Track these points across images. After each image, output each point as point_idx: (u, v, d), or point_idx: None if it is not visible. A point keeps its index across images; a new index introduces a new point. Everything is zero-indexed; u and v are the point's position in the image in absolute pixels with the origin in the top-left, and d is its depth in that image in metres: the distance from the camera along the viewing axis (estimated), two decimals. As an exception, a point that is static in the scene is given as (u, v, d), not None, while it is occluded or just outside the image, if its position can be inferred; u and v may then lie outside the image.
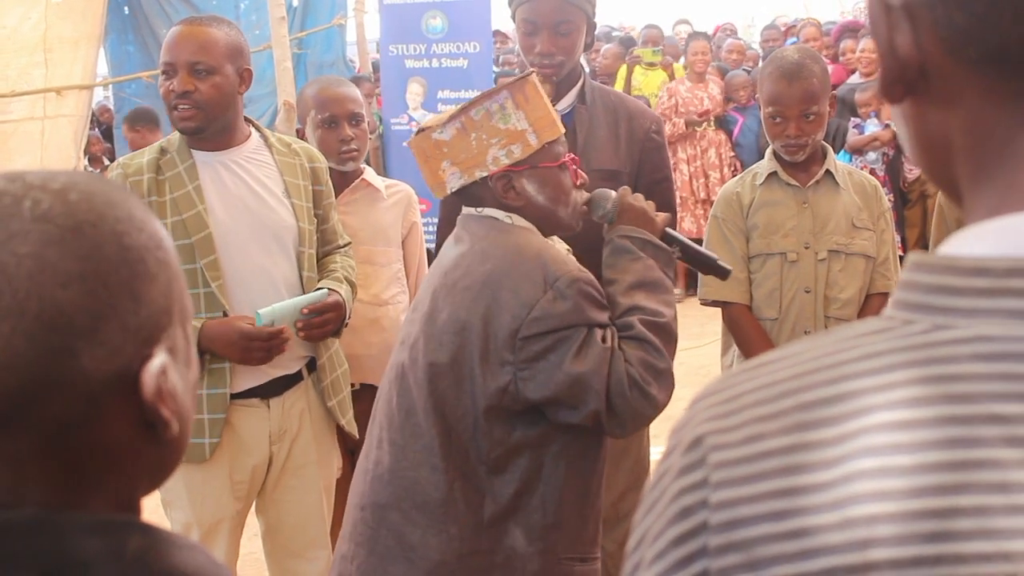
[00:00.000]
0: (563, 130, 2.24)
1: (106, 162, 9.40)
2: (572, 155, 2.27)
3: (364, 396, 3.31)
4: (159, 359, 0.89)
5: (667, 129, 7.41)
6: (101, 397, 0.86)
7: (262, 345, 2.76)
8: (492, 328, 2.06)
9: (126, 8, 9.82)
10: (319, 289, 2.94)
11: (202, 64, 2.78)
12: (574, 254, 2.37)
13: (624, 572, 0.69)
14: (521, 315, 2.05)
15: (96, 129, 10.00)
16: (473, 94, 7.82)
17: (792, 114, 3.02)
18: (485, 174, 2.17)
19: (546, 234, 2.26)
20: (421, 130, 2.19)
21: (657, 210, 2.33)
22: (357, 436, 3.15)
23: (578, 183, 2.25)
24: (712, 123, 8.41)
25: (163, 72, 2.79)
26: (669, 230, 2.32)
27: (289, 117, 5.75)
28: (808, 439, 0.61)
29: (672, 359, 2.20)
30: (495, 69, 8.26)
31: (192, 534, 2.84)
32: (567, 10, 2.85)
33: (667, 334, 2.18)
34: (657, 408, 2.15)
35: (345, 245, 3.13)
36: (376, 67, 9.21)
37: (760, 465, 0.62)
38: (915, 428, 0.59)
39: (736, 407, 0.65)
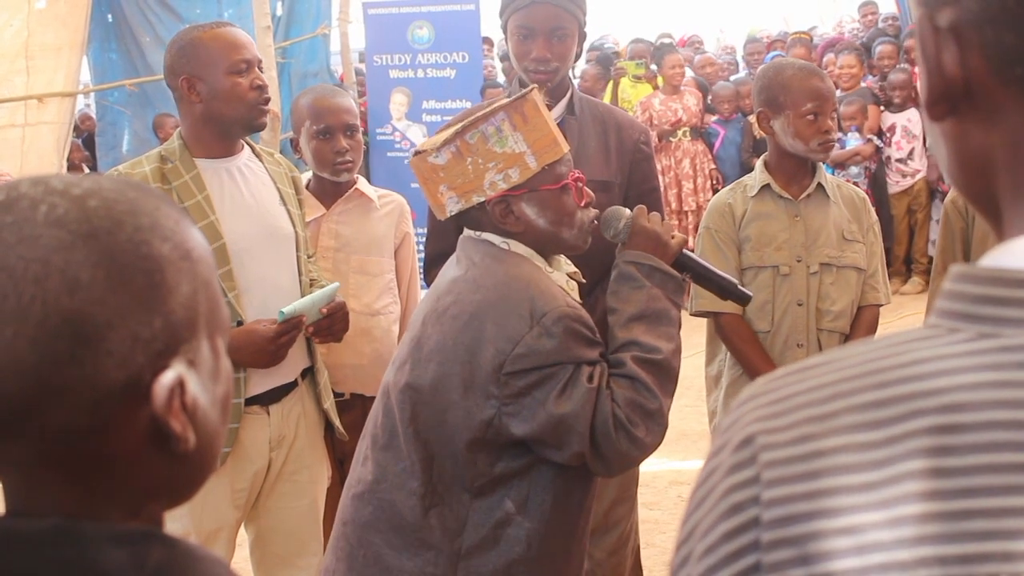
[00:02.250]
0: (566, 149, 2.16)
1: (86, 170, 9.36)
2: (577, 173, 2.19)
3: (354, 405, 3.33)
4: (173, 372, 0.87)
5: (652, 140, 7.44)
6: (108, 407, 0.84)
7: (288, 340, 2.78)
8: (476, 360, 2.01)
9: (109, 16, 9.80)
10: (321, 286, 2.98)
11: (262, 63, 2.89)
12: (581, 270, 2.33)
13: (673, 565, 0.71)
14: (506, 350, 1.99)
15: (77, 137, 9.95)
16: (460, 104, 7.85)
17: (827, 110, 3.06)
18: (483, 199, 2.11)
19: (550, 256, 2.21)
20: (418, 152, 2.14)
21: None
22: (347, 440, 3.15)
23: (583, 202, 2.18)
24: (688, 134, 8.44)
25: (240, 70, 2.79)
26: (686, 252, 2.26)
27: (273, 127, 5.74)
28: (859, 440, 0.64)
29: (670, 397, 2.13)
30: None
31: (188, 543, 2.83)
32: (563, 17, 2.85)
33: (663, 371, 2.10)
34: (644, 450, 2.07)
35: (311, 256, 3.14)
36: (360, 76, 9.20)
37: (812, 464, 0.64)
38: (964, 432, 0.62)
39: (786, 408, 0.68)
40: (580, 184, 2.18)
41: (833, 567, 0.62)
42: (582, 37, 2.96)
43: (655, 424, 2.07)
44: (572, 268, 2.30)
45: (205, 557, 0.90)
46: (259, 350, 2.74)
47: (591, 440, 2.03)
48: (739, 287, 2.34)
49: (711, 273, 2.33)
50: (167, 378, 0.86)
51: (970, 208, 2.99)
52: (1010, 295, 0.64)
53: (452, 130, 2.12)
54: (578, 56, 3.02)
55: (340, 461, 3.36)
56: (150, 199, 0.90)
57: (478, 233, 2.17)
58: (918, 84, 0.79)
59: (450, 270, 2.19)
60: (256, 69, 2.82)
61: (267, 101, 2.84)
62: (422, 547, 2.07)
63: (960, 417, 0.62)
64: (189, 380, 0.88)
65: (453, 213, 2.15)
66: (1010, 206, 0.70)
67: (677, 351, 2.15)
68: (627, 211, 2.25)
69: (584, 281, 2.34)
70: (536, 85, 2.24)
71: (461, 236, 2.22)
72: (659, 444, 2.11)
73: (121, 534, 0.86)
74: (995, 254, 0.68)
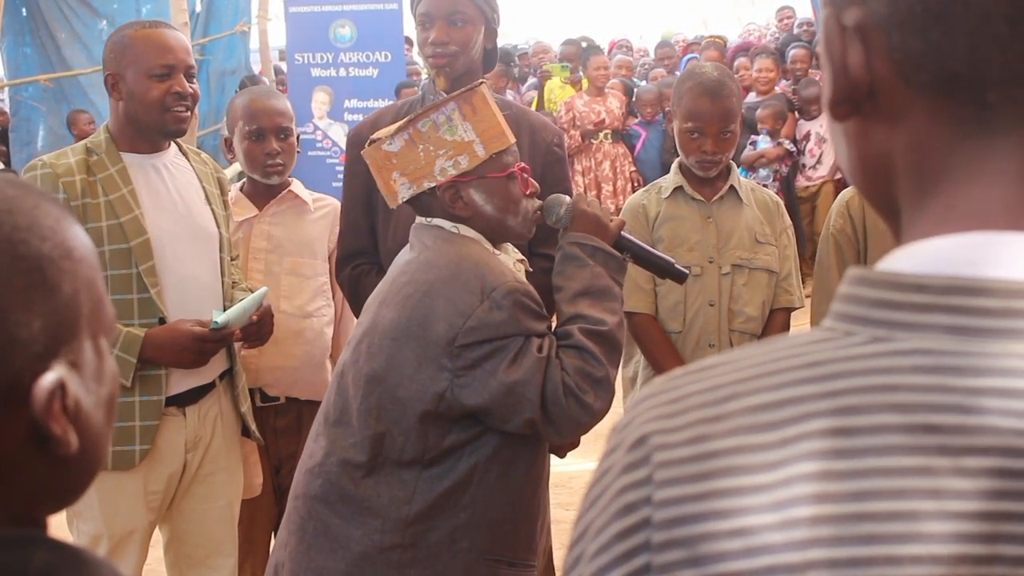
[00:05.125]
0: (513, 140, 2.27)
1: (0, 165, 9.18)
2: (523, 164, 2.31)
3: (289, 410, 3.32)
4: (54, 374, 0.84)
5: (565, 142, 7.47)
6: None
7: (215, 347, 2.78)
8: (429, 335, 2.11)
9: (24, 10, 9.62)
10: (243, 289, 2.98)
11: (192, 69, 2.86)
12: (528, 257, 2.43)
13: (565, 565, 0.71)
14: (458, 324, 2.10)
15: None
16: (383, 104, 7.86)
17: (711, 131, 3.06)
18: (433, 185, 2.22)
19: (496, 242, 2.30)
20: (372, 141, 2.24)
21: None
22: (262, 442, 3.14)
23: (528, 192, 2.29)
24: (609, 136, 8.49)
25: (159, 75, 2.76)
26: (624, 234, 2.36)
27: (191, 124, 5.69)
28: (752, 442, 0.64)
29: (615, 367, 2.24)
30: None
31: (101, 546, 2.80)
32: (459, 1, 2.87)
33: (608, 342, 2.21)
34: (594, 415, 2.18)
35: (235, 258, 3.13)
36: (279, 74, 9.13)
37: (705, 465, 0.64)
38: (857, 435, 0.62)
39: (681, 408, 0.68)
40: (525, 174, 2.29)
41: (723, 569, 0.62)
42: (490, 32, 2.95)
43: (603, 391, 2.18)
44: (520, 256, 2.41)
45: (91, 560, 0.88)
46: (182, 349, 2.73)
47: (542, 408, 2.13)
48: (676, 266, 2.45)
49: (649, 253, 2.46)
50: (47, 380, 0.84)
51: (860, 235, 3.02)
52: (903, 299, 0.65)
53: (405, 119, 2.24)
54: (491, 61, 3.02)
55: (276, 469, 3.34)
56: (29, 197, 0.88)
57: (429, 219, 2.27)
58: (822, 84, 0.79)
59: (403, 256, 2.29)
60: (180, 75, 2.79)
61: (186, 108, 2.81)
62: (368, 515, 2.16)
63: (854, 420, 0.63)
64: (71, 382, 0.86)
65: (405, 199, 2.25)
66: (909, 209, 0.71)
67: (621, 324, 2.27)
68: (567, 197, 2.38)
69: (532, 270, 2.44)
70: (484, 80, 2.32)
71: (414, 224, 2.31)
72: (607, 410, 2.21)
73: (2, 539, 0.84)
74: (891, 258, 0.69)
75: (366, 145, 2.26)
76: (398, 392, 2.13)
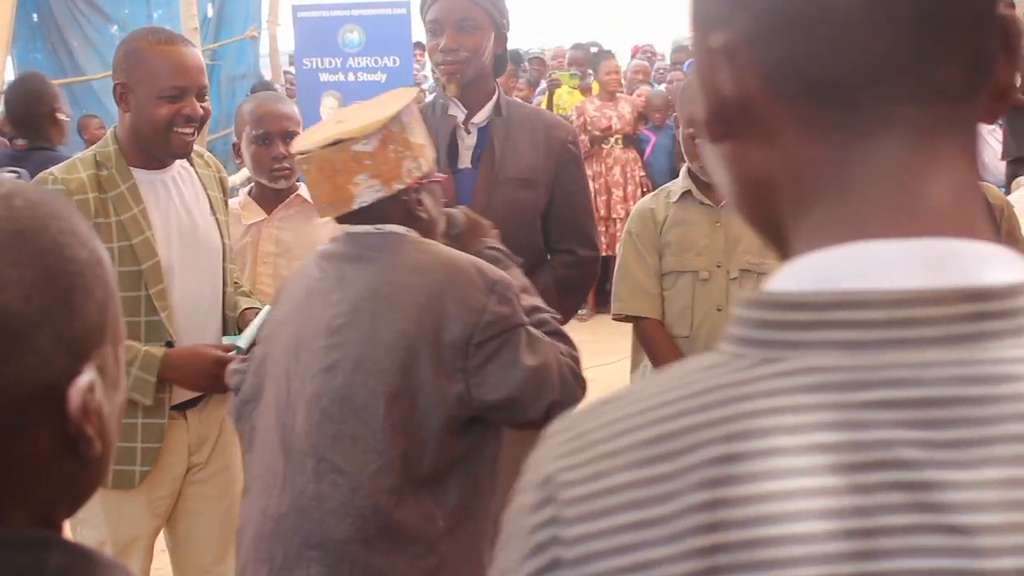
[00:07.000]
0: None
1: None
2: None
3: None
4: (88, 375, 0.86)
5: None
6: (27, 407, 0.84)
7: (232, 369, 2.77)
8: (443, 339, 2.05)
9: (35, 15, 9.66)
10: (243, 294, 3.00)
11: (205, 88, 2.81)
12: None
13: None
14: (473, 321, 2.06)
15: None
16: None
17: None
18: (402, 187, 2.12)
19: None
20: (336, 142, 2.09)
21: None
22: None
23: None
24: (620, 141, 8.48)
25: (170, 96, 2.70)
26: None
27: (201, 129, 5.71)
28: (648, 475, 0.64)
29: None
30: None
31: (105, 552, 2.78)
32: (469, 7, 2.86)
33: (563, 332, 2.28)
34: (582, 397, 2.19)
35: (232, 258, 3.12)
36: (289, 77, 9.15)
37: (606, 501, 0.65)
38: (744, 461, 0.62)
39: (582, 444, 0.68)
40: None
41: None
42: (500, 38, 2.95)
43: (580, 372, 2.22)
44: None
45: (106, 563, 0.89)
46: (202, 372, 2.72)
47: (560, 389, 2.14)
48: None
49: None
50: (83, 381, 0.86)
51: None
52: (788, 318, 0.65)
53: (380, 120, 2.11)
54: (501, 67, 3.02)
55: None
56: (65, 206, 0.91)
57: (379, 227, 2.15)
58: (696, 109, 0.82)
59: (349, 267, 2.15)
60: (192, 97, 2.72)
61: (194, 132, 2.76)
62: (408, 542, 2.07)
63: (743, 446, 0.62)
64: (97, 386, 0.88)
65: (368, 203, 2.11)
66: (791, 227, 0.71)
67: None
68: (456, 210, 2.46)
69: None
70: (415, 87, 2.29)
71: (346, 234, 2.19)
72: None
73: (19, 540, 0.85)
74: (777, 278, 0.69)
75: (317, 148, 2.11)
76: (418, 402, 2.05)
